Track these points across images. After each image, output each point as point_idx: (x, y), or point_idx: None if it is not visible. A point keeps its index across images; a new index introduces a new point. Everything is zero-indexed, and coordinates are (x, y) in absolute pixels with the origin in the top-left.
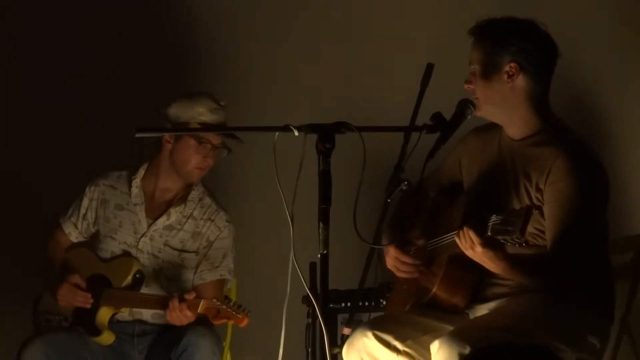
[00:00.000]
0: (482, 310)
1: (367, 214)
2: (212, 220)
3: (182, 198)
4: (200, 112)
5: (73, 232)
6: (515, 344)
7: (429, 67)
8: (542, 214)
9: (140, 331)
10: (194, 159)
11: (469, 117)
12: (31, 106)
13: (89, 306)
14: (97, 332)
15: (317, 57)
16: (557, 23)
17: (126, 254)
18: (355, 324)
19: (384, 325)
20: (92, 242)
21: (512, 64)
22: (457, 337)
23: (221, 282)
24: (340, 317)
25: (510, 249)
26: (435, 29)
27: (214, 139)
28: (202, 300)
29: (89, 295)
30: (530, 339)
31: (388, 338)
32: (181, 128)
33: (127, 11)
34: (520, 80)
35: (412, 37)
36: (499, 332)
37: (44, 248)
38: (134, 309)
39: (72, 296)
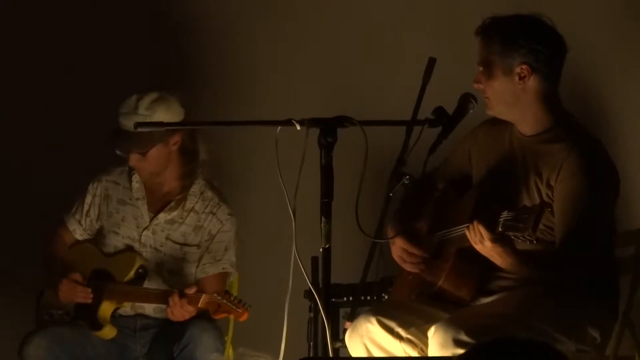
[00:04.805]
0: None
1: (369, 208)
2: (214, 214)
3: (182, 191)
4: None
5: (77, 229)
6: (515, 338)
7: (431, 61)
8: (551, 210)
9: (142, 325)
10: None
11: (471, 111)
12: (31, 105)
13: (89, 301)
14: (99, 326)
15: (318, 51)
16: (558, 16)
17: (129, 248)
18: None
19: (388, 312)
20: (96, 237)
21: (524, 66)
22: (452, 322)
23: (223, 275)
24: (342, 312)
25: (520, 245)
26: (437, 22)
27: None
28: (203, 295)
29: (89, 290)
30: (528, 327)
31: (392, 324)
32: (180, 122)
33: (126, 9)
34: (532, 81)
35: (414, 31)
36: (497, 319)
37: (47, 244)
38: (136, 303)
39: (72, 292)
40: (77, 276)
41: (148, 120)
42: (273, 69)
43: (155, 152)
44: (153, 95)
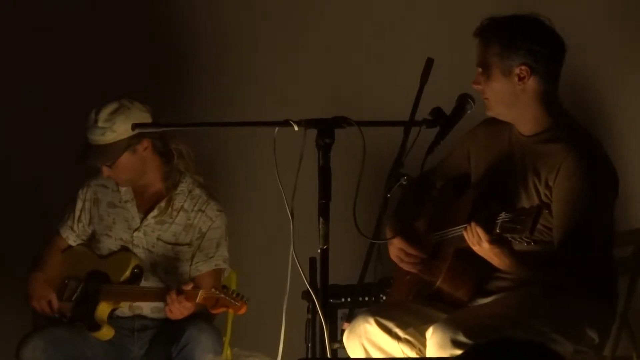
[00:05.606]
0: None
1: (367, 209)
2: (203, 211)
3: (168, 192)
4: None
5: (71, 235)
6: (513, 339)
7: (429, 62)
8: (550, 211)
9: (140, 326)
10: None
11: (469, 111)
12: (31, 105)
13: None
14: (97, 327)
15: (317, 52)
16: (558, 17)
17: (124, 249)
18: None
19: (386, 312)
20: (90, 241)
21: (523, 67)
22: (450, 323)
23: (217, 272)
24: (340, 312)
25: (517, 246)
26: (435, 23)
27: None
28: (201, 290)
29: (53, 312)
30: (526, 328)
31: (390, 325)
32: (178, 123)
33: (126, 9)
34: (532, 82)
35: (412, 32)
36: (495, 320)
37: (41, 253)
38: (134, 304)
39: (41, 309)
40: (54, 298)
41: (108, 132)
42: (271, 69)
43: (124, 161)
44: (111, 107)
